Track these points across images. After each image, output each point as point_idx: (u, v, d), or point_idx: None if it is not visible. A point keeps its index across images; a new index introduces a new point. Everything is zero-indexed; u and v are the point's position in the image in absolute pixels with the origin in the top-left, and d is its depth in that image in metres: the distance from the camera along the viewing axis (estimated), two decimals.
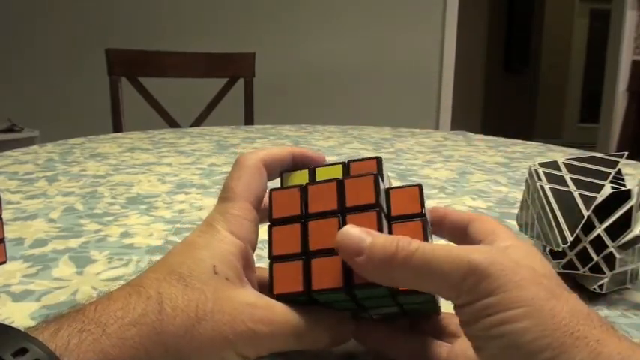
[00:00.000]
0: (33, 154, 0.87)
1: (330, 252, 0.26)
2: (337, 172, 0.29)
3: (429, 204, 0.62)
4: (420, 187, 0.28)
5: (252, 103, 1.61)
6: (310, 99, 2.90)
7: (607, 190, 0.38)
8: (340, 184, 0.27)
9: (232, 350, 0.25)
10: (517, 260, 0.23)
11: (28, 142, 2.51)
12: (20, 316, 0.35)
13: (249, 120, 1.61)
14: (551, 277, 0.24)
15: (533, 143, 1.07)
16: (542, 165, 0.43)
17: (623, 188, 0.38)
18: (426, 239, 0.26)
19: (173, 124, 1.55)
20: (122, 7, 2.79)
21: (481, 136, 1.14)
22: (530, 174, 0.43)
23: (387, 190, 0.28)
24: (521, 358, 0.20)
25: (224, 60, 1.63)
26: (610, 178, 0.39)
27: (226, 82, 1.60)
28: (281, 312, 0.26)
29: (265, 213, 0.30)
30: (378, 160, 0.29)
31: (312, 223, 0.27)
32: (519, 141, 1.09)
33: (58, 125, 2.65)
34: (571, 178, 0.40)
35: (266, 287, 0.28)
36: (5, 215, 0.54)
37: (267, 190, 0.30)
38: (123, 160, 0.83)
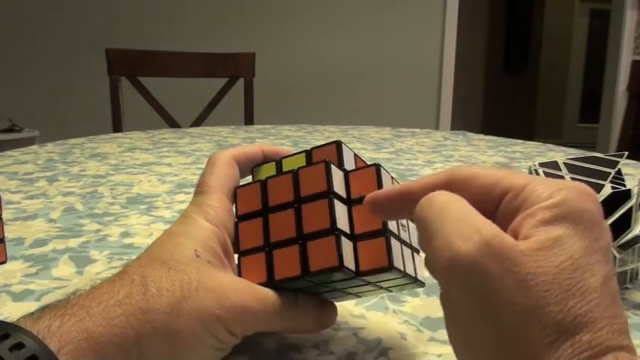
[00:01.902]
0: (33, 154, 0.87)
1: (288, 242, 0.27)
2: (301, 161, 0.30)
3: None
4: (376, 166, 0.28)
5: (252, 103, 1.61)
6: (310, 99, 2.90)
7: (607, 190, 0.38)
8: (295, 175, 0.28)
9: (221, 325, 0.25)
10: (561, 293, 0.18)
11: (28, 142, 2.51)
12: (20, 316, 0.35)
13: (249, 120, 1.61)
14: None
15: (533, 143, 1.07)
16: (542, 165, 0.43)
17: (623, 188, 0.38)
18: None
19: (173, 124, 1.55)
20: (122, 7, 2.79)
21: (481, 136, 1.14)
22: (530, 174, 0.43)
23: (347, 174, 0.29)
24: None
25: (224, 60, 1.63)
26: (610, 178, 0.39)
27: (226, 82, 1.60)
28: (263, 291, 0.27)
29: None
30: (338, 145, 0.30)
31: (271, 215, 0.28)
32: (519, 141, 1.09)
33: (58, 125, 2.65)
34: (571, 178, 0.40)
35: None
36: (5, 215, 0.54)
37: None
38: (123, 160, 0.83)
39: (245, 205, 0.30)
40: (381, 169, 0.28)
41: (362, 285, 0.28)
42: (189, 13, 2.82)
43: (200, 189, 0.31)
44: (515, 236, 0.20)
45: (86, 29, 2.78)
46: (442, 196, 0.22)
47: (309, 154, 0.30)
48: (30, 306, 0.36)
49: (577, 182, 0.21)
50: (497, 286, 0.19)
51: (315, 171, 0.28)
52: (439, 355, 0.32)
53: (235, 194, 0.31)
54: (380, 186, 0.27)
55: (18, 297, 0.37)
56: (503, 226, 0.21)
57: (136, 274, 0.25)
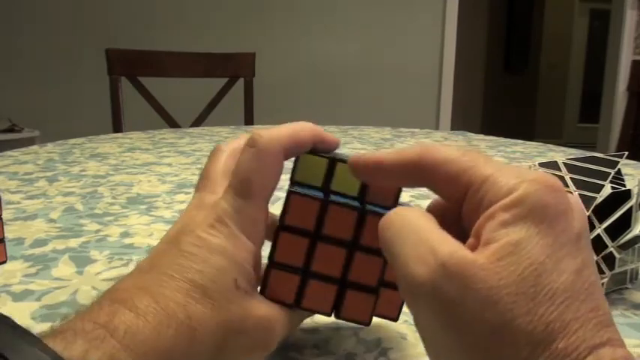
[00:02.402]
0: (33, 154, 0.87)
1: (328, 279, 0.27)
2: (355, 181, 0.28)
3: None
4: None
5: (252, 103, 1.61)
6: (310, 99, 2.90)
7: (607, 190, 0.38)
8: (361, 217, 0.27)
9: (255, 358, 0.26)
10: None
11: (28, 142, 2.51)
12: (20, 316, 0.35)
13: (249, 120, 1.61)
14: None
15: (533, 143, 1.07)
16: (542, 165, 0.43)
17: (623, 188, 0.38)
18: None
19: (173, 124, 1.55)
20: (122, 7, 2.79)
21: (481, 136, 1.14)
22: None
23: (363, 215, 0.27)
24: None
25: (224, 60, 1.63)
26: (610, 178, 0.39)
27: (226, 82, 1.60)
28: (286, 320, 0.27)
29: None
30: (398, 189, 0.28)
31: (320, 244, 0.27)
32: (519, 141, 1.09)
33: (58, 125, 2.65)
34: (571, 178, 0.40)
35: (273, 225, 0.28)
36: (5, 215, 0.54)
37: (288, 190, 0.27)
38: (123, 160, 0.83)
39: (296, 216, 0.26)
40: None
41: None
42: (189, 13, 2.82)
43: (242, 188, 0.26)
44: (478, 239, 0.19)
45: (86, 29, 2.78)
46: (399, 217, 0.21)
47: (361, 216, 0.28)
48: (30, 306, 0.36)
49: (539, 173, 0.20)
50: (461, 308, 0.18)
51: None
52: None
53: (288, 198, 0.26)
54: None
55: (18, 297, 0.37)
56: (470, 221, 0.20)
57: (180, 308, 0.23)
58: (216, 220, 0.26)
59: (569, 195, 0.20)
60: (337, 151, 0.30)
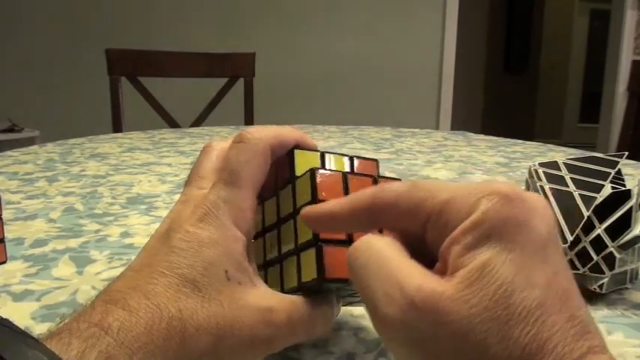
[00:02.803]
0: (33, 154, 0.87)
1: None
2: (341, 165, 0.30)
3: None
4: (373, 178, 0.28)
5: (252, 103, 1.61)
6: (310, 99, 2.90)
7: (607, 190, 0.38)
8: (375, 181, 0.28)
9: (254, 354, 0.25)
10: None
11: (28, 142, 2.51)
12: (20, 316, 0.35)
13: (249, 120, 1.61)
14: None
15: (533, 143, 1.07)
16: (542, 165, 0.43)
17: (623, 188, 0.38)
18: None
19: (173, 124, 1.55)
20: (122, 7, 2.79)
21: (481, 136, 1.14)
22: (530, 174, 0.43)
23: (345, 176, 0.28)
24: None
25: (224, 60, 1.63)
26: (610, 178, 0.39)
27: (226, 82, 1.60)
28: (295, 310, 0.26)
29: None
30: (377, 163, 0.31)
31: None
32: (519, 141, 1.09)
33: (58, 125, 2.66)
34: (571, 178, 0.40)
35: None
36: (5, 215, 0.54)
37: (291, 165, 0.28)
38: (123, 160, 0.83)
39: (327, 191, 0.26)
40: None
41: None
42: (189, 13, 2.82)
43: (231, 179, 0.26)
44: (445, 264, 0.19)
45: (86, 29, 2.78)
46: (365, 246, 0.21)
47: (351, 159, 0.30)
48: (30, 306, 0.36)
49: (496, 185, 0.19)
50: (434, 344, 0.17)
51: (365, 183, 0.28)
52: None
53: (314, 175, 0.26)
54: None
55: (18, 297, 0.37)
56: (436, 246, 0.20)
57: (171, 304, 0.23)
58: (204, 213, 0.26)
59: (531, 198, 0.19)
60: (337, 150, 0.32)
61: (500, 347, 0.17)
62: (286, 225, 0.28)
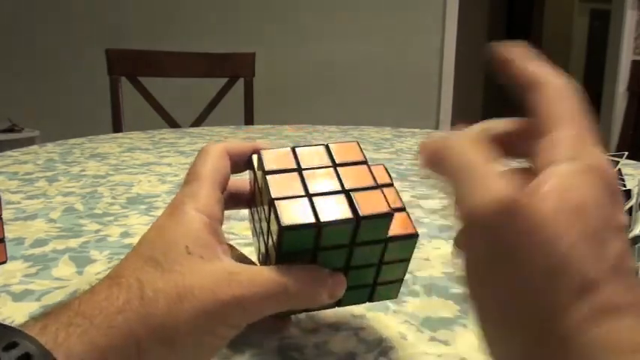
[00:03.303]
0: (33, 154, 0.87)
1: (331, 193, 0.27)
2: (320, 154, 0.30)
3: (430, 203, 0.62)
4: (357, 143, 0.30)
5: (252, 103, 1.61)
6: (310, 99, 2.90)
7: None
8: (327, 148, 0.30)
9: (221, 322, 0.25)
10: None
11: (28, 142, 2.51)
12: (20, 316, 0.35)
13: (249, 120, 1.61)
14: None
15: None
16: None
17: (623, 188, 0.38)
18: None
19: (173, 124, 1.55)
20: (122, 7, 2.79)
21: None
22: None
23: (327, 146, 0.30)
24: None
25: (224, 60, 1.63)
26: None
27: (226, 82, 1.60)
28: (266, 272, 0.26)
29: (231, 200, 0.32)
30: (358, 143, 0.31)
31: (307, 172, 0.28)
32: None
33: (58, 125, 2.65)
34: None
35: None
36: (5, 215, 0.54)
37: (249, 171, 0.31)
38: (123, 160, 0.83)
39: (273, 163, 0.29)
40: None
41: (372, 265, 0.29)
42: (189, 13, 2.82)
43: (190, 177, 0.30)
44: (534, 174, 0.21)
45: (86, 29, 2.78)
46: (454, 151, 0.23)
47: (327, 147, 0.30)
48: (30, 306, 0.36)
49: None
50: (515, 245, 0.19)
51: (349, 146, 0.30)
52: (439, 355, 0.32)
53: (259, 154, 0.29)
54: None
55: (18, 297, 0.37)
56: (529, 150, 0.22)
57: (132, 277, 0.25)
58: (173, 208, 0.28)
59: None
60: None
61: (582, 262, 0.18)
62: (263, 214, 0.29)
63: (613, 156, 0.42)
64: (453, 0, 2.86)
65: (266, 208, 0.28)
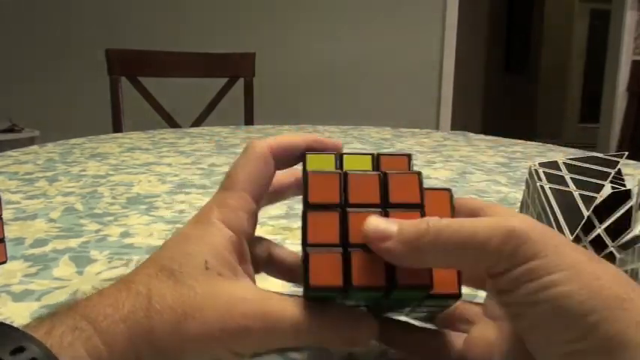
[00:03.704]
0: (33, 154, 0.87)
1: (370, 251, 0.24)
2: (366, 164, 0.28)
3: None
4: (418, 174, 0.26)
5: (252, 103, 1.61)
6: (310, 99, 2.90)
7: (607, 190, 0.38)
8: (384, 178, 0.26)
9: (224, 348, 0.24)
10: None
11: (28, 142, 2.51)
12: (20, 316, 0.35)
13: (249, 120, 1.61)
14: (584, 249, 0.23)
15: (533, 143, 1.07)
16: (542, 165, 0.43)
17: (623, 188, 0.38)
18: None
19: (173, 124, 1.55)
20: (122, 7, 2.79)
21: (481, 136, 1.14)
22: (530, 174, 0.43)
23: (385, 175, 0.26)
24: (566, 323, 0.20)
25: (224, 60, 1.63)
26: (610, 178, 0.39)
27: (226, 82, 1.60)
28: (278, 305, 0.24)
29: (271, 196, 0.30)
30: (409, 157, 0.28)
31: (352, 213, 0.25)
32: (519, 141, 1.09)
33: (58, 125, 2.66)
34: (571, 178, 0.40)
35: (292, 272, 0.28)
36: (5, 215, 0.54)
37: (304, 173, 0.27)
38: (123, 160, 0.83)
39: (318, 194, 0.25)
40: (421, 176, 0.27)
41: (413, 305, 0.27)
42: (189, 13, 2.82)
43: (226, 182, 0.28)
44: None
45: (86, 29, 2.78)
46: (436, 228, 0.23)
47: (375, 158, 0.28)
48: (30, 306, 0.36)
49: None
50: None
51: (407, 179, 0.26)
52: None
53: (306, 178, 0.26)
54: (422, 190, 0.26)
55: (18, 297, 0.37)
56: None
57: (142, 284, 0.24)
58: (200, 216, 0.27)
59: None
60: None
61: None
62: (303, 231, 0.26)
63: (613, 156, 0.42)
64: (453, 0, 2.86)
65: (302, 236, 0.25)
